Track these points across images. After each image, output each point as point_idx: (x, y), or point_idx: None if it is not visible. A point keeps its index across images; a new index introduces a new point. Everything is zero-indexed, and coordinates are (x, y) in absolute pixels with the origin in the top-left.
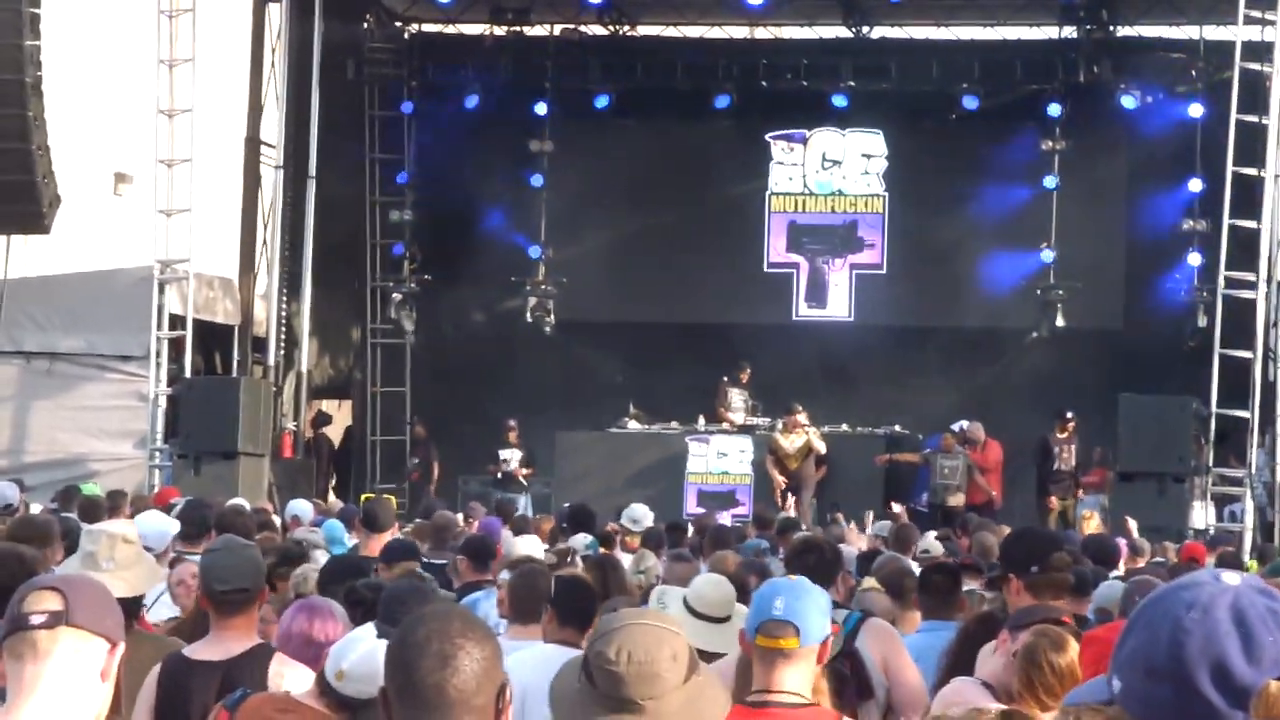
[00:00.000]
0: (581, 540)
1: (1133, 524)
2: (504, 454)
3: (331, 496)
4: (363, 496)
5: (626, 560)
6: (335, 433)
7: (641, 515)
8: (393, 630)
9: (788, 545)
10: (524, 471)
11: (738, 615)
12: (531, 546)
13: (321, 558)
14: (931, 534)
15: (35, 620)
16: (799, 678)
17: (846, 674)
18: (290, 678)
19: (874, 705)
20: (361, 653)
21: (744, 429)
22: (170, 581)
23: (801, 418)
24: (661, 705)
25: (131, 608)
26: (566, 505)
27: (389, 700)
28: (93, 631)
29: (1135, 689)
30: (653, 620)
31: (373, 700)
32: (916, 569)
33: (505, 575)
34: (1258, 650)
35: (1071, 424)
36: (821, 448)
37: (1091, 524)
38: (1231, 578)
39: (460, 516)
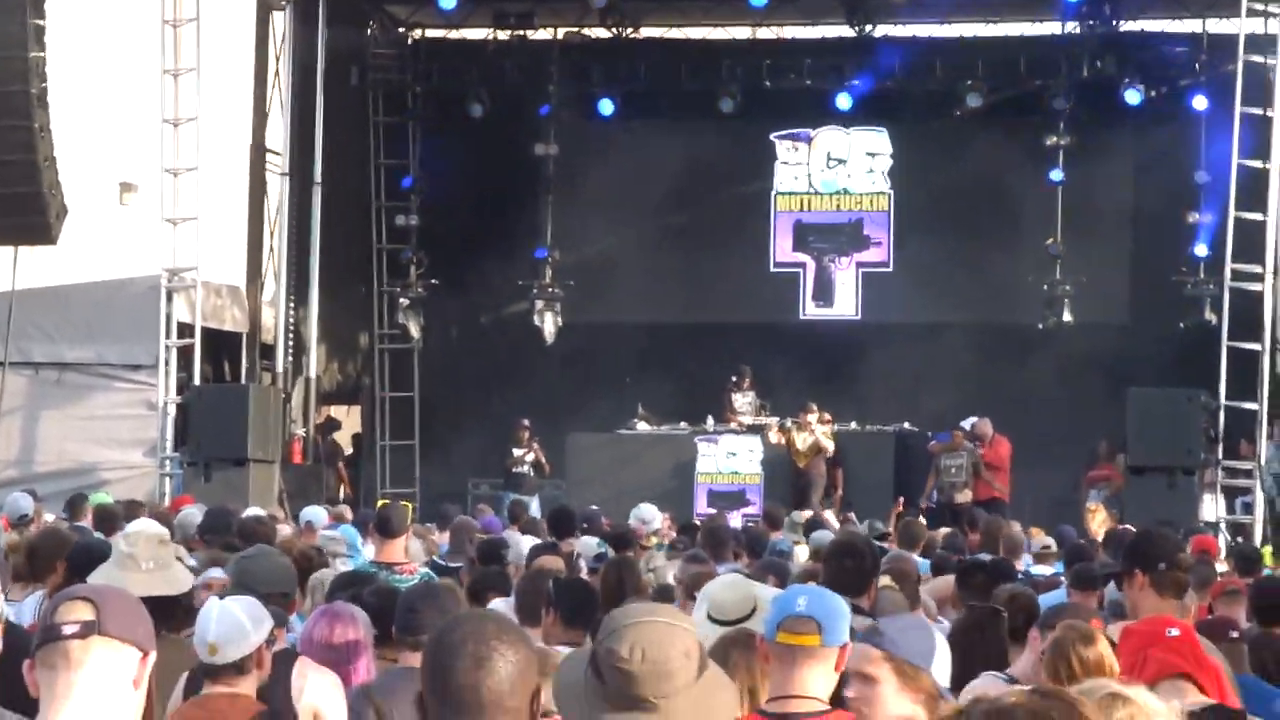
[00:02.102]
0: (590, 543)
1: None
2: (516, 452)
3: (344, 504)
4: (378, 502)
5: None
6: (345, 439)
7: (650, 515)
8: (417, 636)
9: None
10: (547, 466)
11: (761, 609)
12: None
13: (343, 565)
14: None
15: (68, 630)
16: (820, 681)
17: None
18: (313, 681)
19: None
20: (216, 619)
21: (752, 429)
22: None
23: (811, 417)
24: (673, 704)
25: (171, 607)
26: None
27: (425, 703)
28: (125, 640)
29: None
30: (664, 617)
31: (250, 656)
32: (925, 565)
33: None
34: None
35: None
36: (829, 447)
37: (1098, 518)
38: None
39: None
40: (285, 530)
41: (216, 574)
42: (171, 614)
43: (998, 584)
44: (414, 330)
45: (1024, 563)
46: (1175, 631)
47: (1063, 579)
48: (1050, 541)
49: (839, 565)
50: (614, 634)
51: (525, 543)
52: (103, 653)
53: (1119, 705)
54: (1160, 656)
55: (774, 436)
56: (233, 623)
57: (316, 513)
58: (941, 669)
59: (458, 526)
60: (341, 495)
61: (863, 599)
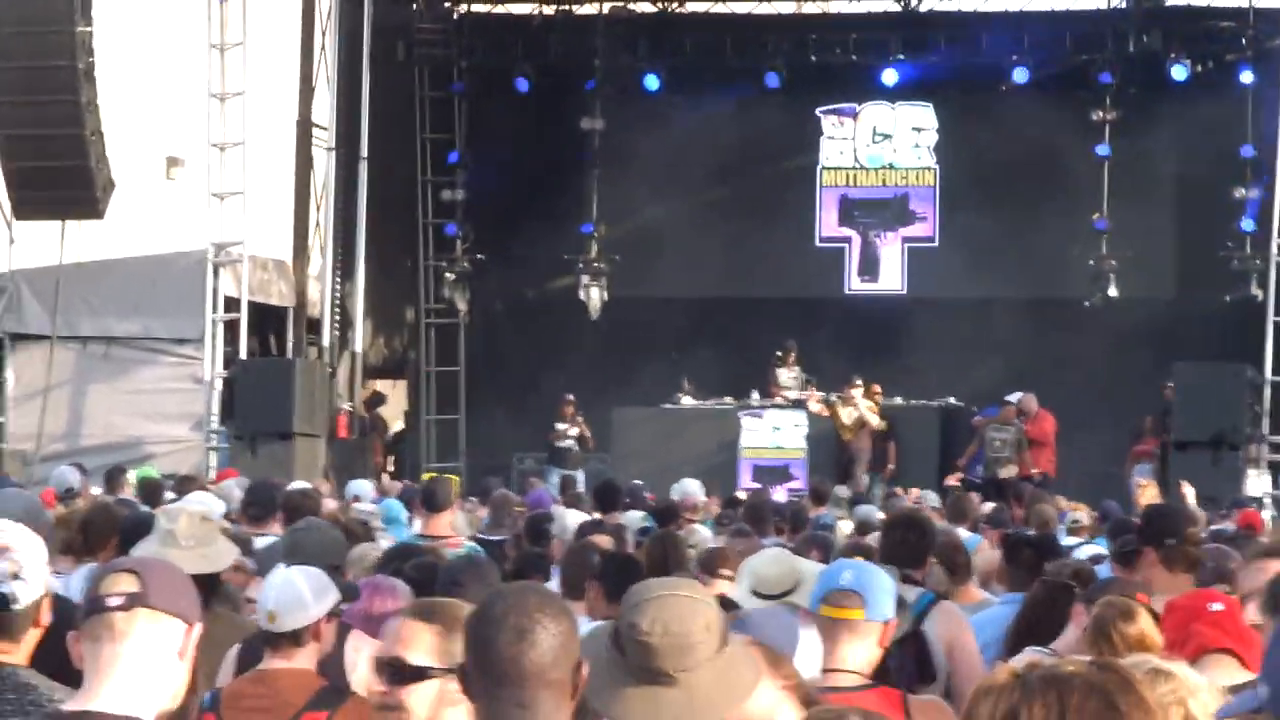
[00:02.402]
0: (635, 516)
1: (1189, 491)
2: (560, 426)
3: (386, 477)
4: (423, 476)
5: None
6: (390, 414)
7: (693, 490)
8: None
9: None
10: (591, 441)
11: (805, 584)
12: (578, 520)
13: (381, 539)
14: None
15: (112, 602)
16: (862, 654)
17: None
18: (365, 654)
19: (935, 689)
20: (278, 588)
21: (797, 403)
22: None
23: (856, 391)
24: (694, 677)
25: (211, 584)
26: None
27: (468, 675)
28: (169, 612)
29: None
30: (686, 590)
31: (307, 628)
32: (973, 541)
33: None
34: None
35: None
36: (874, 421)
37: (1149, 493)
38: None
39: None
40: (330, 505)
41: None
42: (213, 590)
43: (1044, 559)
44: (460, 305)
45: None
46: (1218, 606)
47: (1105, 554)
48: (1081, 516)
49: (900, 537)
50: (635, 608)
51: (571, 517)
52: (147, 625)
53: (1161, 681)
54: (1202, 631)
55: (814, 405)
56: (294, 593)
57: (363, 486)
58: (806, 660)
59: (497, 500)
60: (379, 470)
61: (918, 571)
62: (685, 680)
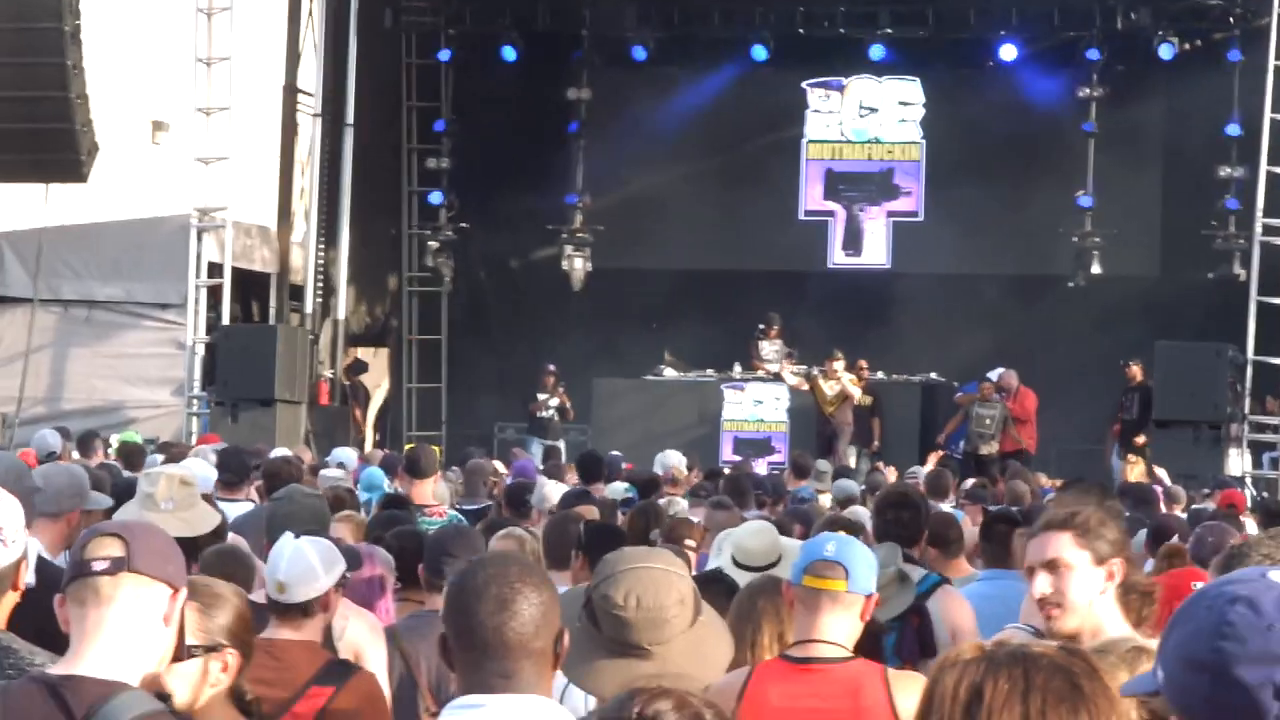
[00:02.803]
0: (618, 488)
1: (1162, 472)
2: (541, 397)
3: (369, 445)
4: (406, 445)
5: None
6: (371, 381)
7: (674, 462)
8: (439, 577)
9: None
10: (571, 412)
11: (788, 557)
12: (558, 491)
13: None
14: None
15: (98, 566)
16: (843, 628)
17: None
18: (354, 624)
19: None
20: (289, 558)
21: (778, 376)
22: None
23: (838, 365)
24: (667, 650)
25: (190, 549)
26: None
27: (449, 645)
28: (154, 577)
29: (1176, 679)
30: (659, 563)
31: (317, 599)
32: (959, 515)
33: None
34: None
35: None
36: (856, 394)
37: (1136, 470)
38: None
39: (498, 464)
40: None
41: None
42: (193, 555)
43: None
44: (445, 273)
45: None
46: (1201, 585)
47: None
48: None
49: (895, 516)
50: (609, 580)
51: (552, 487)
52: (132, 589)
53: (1144, 659)
54: None
55: (790, 379)
56: (305, 564)
57: (347, 454)
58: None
59: (471, 469)
60: (361, 438)
61: (914, 549)
62: (659, 653)
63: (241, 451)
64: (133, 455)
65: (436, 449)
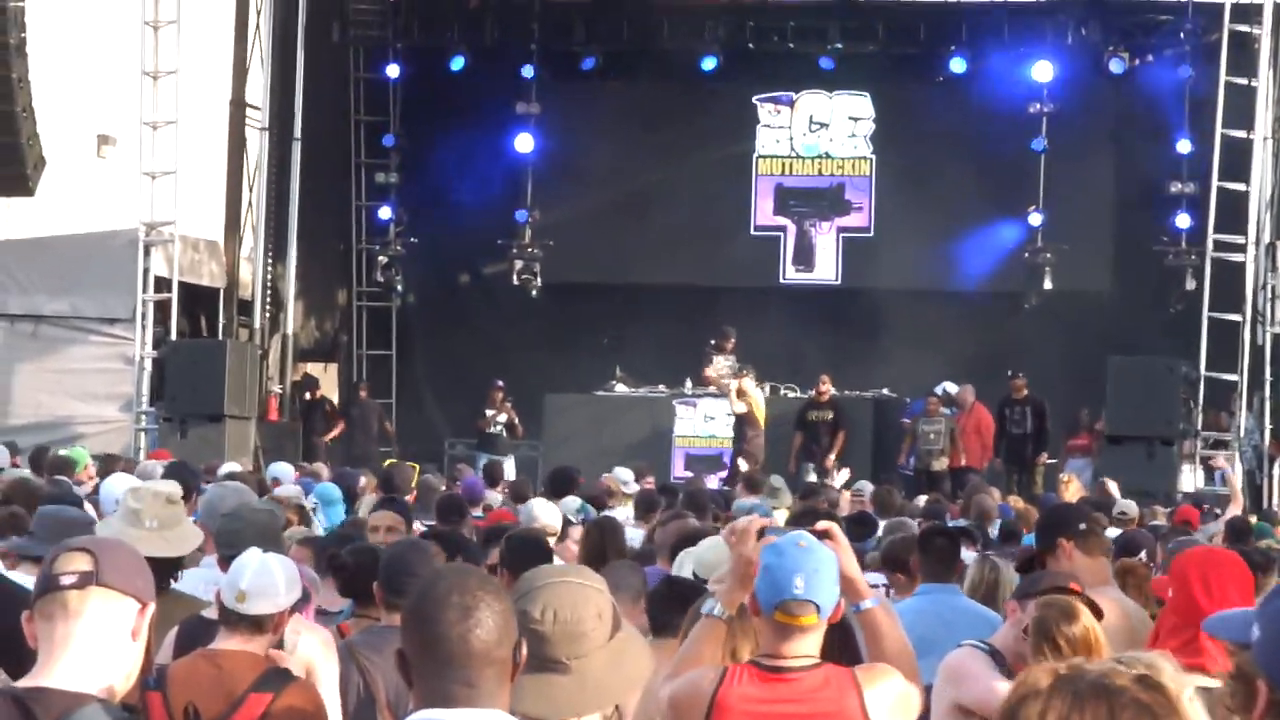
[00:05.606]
0: (572, 504)
1: (1113, 486)
2: (489, 413)
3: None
4: (385, 462)
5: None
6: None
7: (625, 478)
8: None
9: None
10: (519, 428)
11: None
12: (550, 515)
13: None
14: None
15: (66, 580)
16: (812, 643)
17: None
18: (306, 638)
19: None
20: (254, 569)
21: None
22: None
23: (746, 381)
24: (586, 664)
25: (170, 568)
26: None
27: (408, 660)
28: (123, 591)
29: (1274, 639)
30: (576, 578)
31: (271, 617)
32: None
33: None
34: None
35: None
36: (738, 407)
37: (1072, 488)
38: None
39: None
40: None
41: None
42: (171, 573)
43: (958, 550)
44: (393, 288)
45: (994, 530)
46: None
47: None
48: (1025, 508)
49: (942, 547)
50: (526, 595)
51: (540, 510)
52: (101, 603)
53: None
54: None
55: (737, 406)
56: (269, 580)
57: (283, 469)
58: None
59: (422, 486)
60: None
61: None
62: (578, 667)
63: (186, 468)
64: (61, 468)
65: (414, 466)
